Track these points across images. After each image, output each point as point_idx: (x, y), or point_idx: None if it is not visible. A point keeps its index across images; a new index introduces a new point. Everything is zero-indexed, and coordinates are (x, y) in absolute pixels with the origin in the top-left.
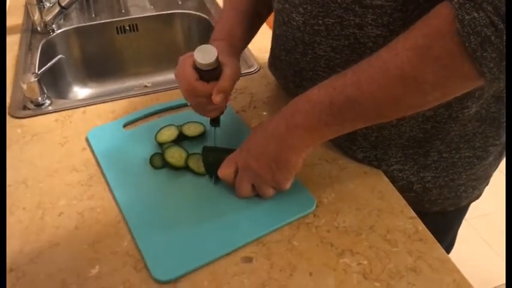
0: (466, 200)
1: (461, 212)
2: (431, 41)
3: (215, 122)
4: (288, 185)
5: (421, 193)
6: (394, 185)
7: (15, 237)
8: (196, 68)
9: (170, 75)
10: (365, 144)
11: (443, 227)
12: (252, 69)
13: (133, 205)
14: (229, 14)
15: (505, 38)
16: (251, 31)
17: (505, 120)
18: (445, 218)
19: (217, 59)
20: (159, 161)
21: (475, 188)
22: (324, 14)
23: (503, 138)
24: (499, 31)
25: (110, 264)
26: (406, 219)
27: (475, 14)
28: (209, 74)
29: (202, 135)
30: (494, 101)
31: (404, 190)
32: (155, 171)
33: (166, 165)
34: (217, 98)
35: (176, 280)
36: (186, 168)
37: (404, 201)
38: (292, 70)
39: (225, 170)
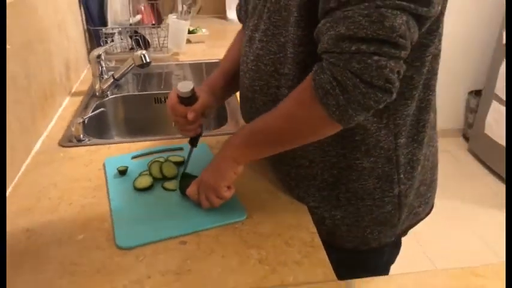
0: (376, 242)
1: (374, 253)
2: (300, 92)
3: (192, 142)
4: (222, 192)
5: (332, 227)
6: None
7: (38, 213)
8: (178, 96)
9: None
10: (291, 183)
11: (358, 265)
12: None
13: (118, 202)
14: (216, 72)
15: (338, 91)
16: (230, 88)
17: (396, 176)
18: (359, 256)
19: (192, 90)
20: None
21: (381, 232)
22: (258, 78)
23: (396, 190)
24: (333, 87)
25: (91, 234)
26: (308, 233)
27: (321, 76)
28: (186, 100)
29: (181, 163)
30: (386, 161)
31: (318, 223)
32: None
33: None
34: (190, 115)
35: (131, 248)
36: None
37: (312, 223)
38: (247, 119)
39: (190, 189)
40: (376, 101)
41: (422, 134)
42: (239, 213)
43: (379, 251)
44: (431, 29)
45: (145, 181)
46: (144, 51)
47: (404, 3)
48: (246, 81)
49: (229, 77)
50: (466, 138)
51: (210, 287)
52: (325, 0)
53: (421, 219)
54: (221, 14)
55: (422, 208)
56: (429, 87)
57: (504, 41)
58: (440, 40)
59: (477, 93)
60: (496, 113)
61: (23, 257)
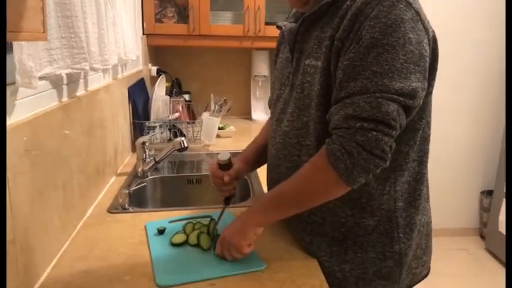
0: None
1: None
2: (316, 159)
3: (227, 201)
4: (243, 250)
5: (342, 279)
6: (322, 270)
7: (92, 260)
8: (218, 163)
9: None
10: (306, 238)
11: None
12: None
13: (158, 253)
14: (250, 146)
15: (346, 157)
16: (261, 158)
17: (396, 234)
18: None
19: (229, 159)
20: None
21: (385, 286)
22: (283, 148)
23: (396, 247)
24: (342, 154)
25: (136, 276)
26: (318, 280)
27: (333, 146)
28: (224, 166)
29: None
30: (387, 220)
31: (330, 275)
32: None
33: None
34: (226, 178)
35: (169, 286)
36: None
37: (322, 273)
38: (272, 185)
39: (217, 249)
40: (375, 165)
41: (418, 202)
42: (259, 264)
43: None
44: (421, 117)
45: (180, 238)
46: (183, 138)
47: (396, 96)
48: (273, 152)
49: (260, 151)
50: (483, 237)
51: None
52: (337, 91)
53: (419, 280)
54: (247, 115)
55: (420, 270)
56: (422, 163)
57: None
58: (429, 127)
59: (489, 192)
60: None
61: None
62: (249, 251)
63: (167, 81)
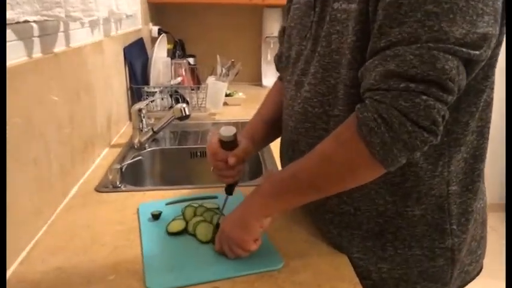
0: None
1: None
2: (341, 131)
3: (229, 190)
4: (248, 246)
5: (378, 281)
6: (355, 270)
7: (70, 253)
8: (220, 140)
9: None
10: (333, 231)
11: None
12: None
13: (150, 245)
14: (255, 119)
15: (384, 129)
16: (269, 136)
17: (448, 226)
18: None
19: (234, 135)
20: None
21: None
22: (304, 120)
23: (448, 242)
24: (378, 125)
25: (122, 276)
26: (351, 284)
27: (365, 114)
28: (228, 144)
29: (215, 209)
30: (437, 209)
31: (364, 277)
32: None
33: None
34: (231, 160)
35: None
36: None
37: (355, 274)
38: (287, 164)
39: (216, 246)
40: (422, 141)
41: (477, 184)
42: (275, 261)
43: None
44: (487, 75)
45: (178, 225)
46: (184, 105)
47: (456, 47)
48: (291, 124)
49: (269, 124)
50: None
51: None
52: (376, 40)
53: (471, 279)
54: (257, 81)
55: (473, 267)
56: (483, 134)
57: None
58: (492, 89)
59: None
60: None
61: None
62: (255, 247)
63: (169, 42)
